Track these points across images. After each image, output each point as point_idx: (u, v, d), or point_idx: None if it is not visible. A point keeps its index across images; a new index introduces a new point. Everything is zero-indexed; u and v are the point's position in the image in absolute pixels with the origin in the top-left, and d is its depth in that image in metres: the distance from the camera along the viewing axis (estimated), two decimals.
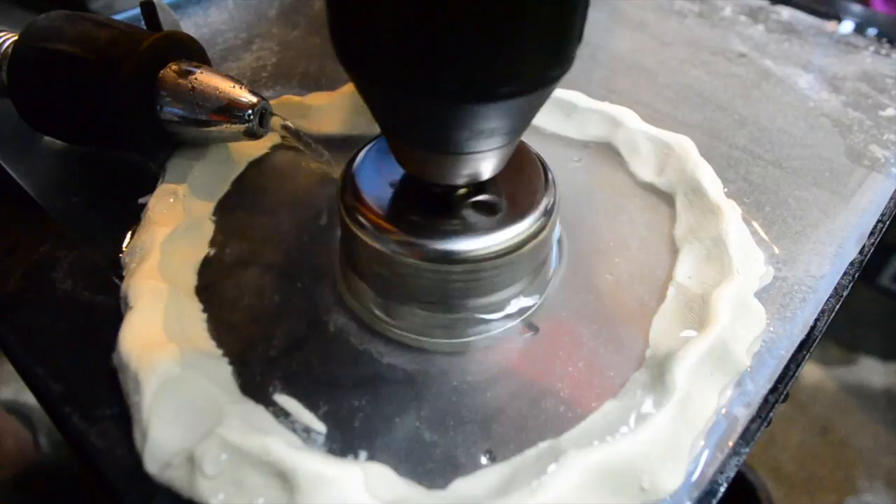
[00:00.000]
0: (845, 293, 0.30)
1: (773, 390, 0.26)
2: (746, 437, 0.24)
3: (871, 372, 1.08)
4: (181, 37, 0.33)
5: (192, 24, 0.48)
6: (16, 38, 0.32)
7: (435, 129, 0.21)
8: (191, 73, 0.31)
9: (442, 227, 0.25)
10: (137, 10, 0.34)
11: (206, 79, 0.31)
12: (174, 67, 0.31)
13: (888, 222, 0.34)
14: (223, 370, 0.25)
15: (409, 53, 0.18)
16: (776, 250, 0.32)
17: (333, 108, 0.38)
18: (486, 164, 0.23)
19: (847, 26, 0.51)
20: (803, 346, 0.27)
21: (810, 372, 1.07)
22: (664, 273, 0.30)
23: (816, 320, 0.28)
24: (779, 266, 0.31)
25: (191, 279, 0.29)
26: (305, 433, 0.24)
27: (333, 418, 0.24)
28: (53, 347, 0.26)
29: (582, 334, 0.28)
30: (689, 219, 0.32)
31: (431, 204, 0.26)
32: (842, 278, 0.30)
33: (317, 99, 0.39)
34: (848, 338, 1.11)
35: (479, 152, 0.22)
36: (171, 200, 0.31)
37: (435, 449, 0.24)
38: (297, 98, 0.39)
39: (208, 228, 0.32)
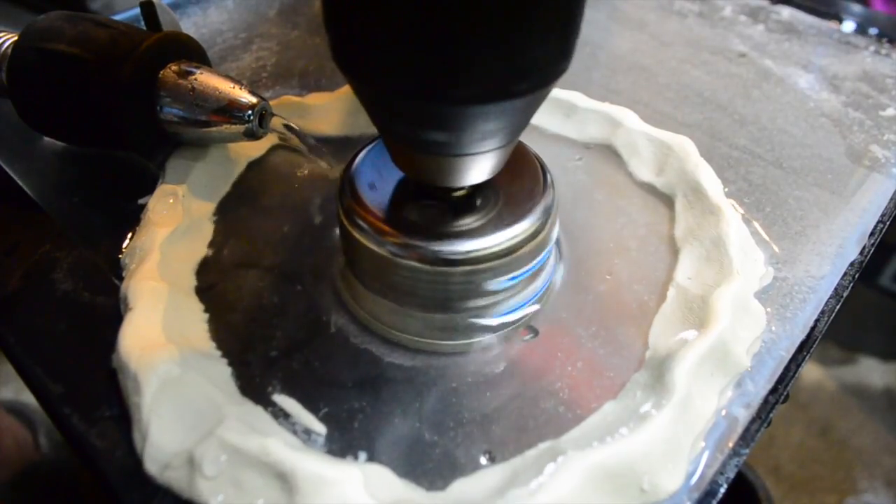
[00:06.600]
0: (845, 293, 0.30)
1: (773, 391, 0.26)
2: (746, 437, 0.24)
3: (871, 372, 1.08)
4: (181, 37, 0.33)
5: (191, 24, 0.48)
6: (16, 38, 0.32)
7: (431, 131, 0.21)
8: (191, 73, 0.31)
9: (440, 228, 0.25)
10: (137, 10, 0.34)
11: (206, 79, 0.31)
12: (174, 68, 0.31)
13: (888, 222, 0.34)
14: (223, 371, 0.25)
15: (404, 56, 0.18)
16: (776, 250, 0.32)
17: (333, 109, 0.38)
18: (484, 166, 0.23)
19: (848, 26, 0.50)
20: (803, 347, 0.27)
21: (810, 372, 1.07)
22: (664, 274, 0.30)
23: (817, 321, 0.28)
24: (779, 266, 0.31)
25: (190, 280, 0.29)
26: (305, 434, 0.24)
27: (333, 419, 0.24)
28: (53, 348, 0.26)
29: (581, 335, 0.28)
30: (689, 219, 0.32)
31: (430, 206, 0.26)
32: (842, 279, 0.30)
33: (316, 99, 0.39)
34: (848, 338, 1.11)
35: (476, 154, 0.22)
36: (171, 201, 0.31)
37: (434, 450, 0.24)
38: (296, 98, 0.39)
39: (208, 229, 0.32)
